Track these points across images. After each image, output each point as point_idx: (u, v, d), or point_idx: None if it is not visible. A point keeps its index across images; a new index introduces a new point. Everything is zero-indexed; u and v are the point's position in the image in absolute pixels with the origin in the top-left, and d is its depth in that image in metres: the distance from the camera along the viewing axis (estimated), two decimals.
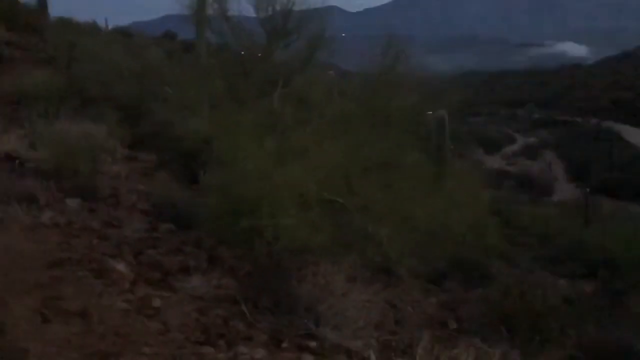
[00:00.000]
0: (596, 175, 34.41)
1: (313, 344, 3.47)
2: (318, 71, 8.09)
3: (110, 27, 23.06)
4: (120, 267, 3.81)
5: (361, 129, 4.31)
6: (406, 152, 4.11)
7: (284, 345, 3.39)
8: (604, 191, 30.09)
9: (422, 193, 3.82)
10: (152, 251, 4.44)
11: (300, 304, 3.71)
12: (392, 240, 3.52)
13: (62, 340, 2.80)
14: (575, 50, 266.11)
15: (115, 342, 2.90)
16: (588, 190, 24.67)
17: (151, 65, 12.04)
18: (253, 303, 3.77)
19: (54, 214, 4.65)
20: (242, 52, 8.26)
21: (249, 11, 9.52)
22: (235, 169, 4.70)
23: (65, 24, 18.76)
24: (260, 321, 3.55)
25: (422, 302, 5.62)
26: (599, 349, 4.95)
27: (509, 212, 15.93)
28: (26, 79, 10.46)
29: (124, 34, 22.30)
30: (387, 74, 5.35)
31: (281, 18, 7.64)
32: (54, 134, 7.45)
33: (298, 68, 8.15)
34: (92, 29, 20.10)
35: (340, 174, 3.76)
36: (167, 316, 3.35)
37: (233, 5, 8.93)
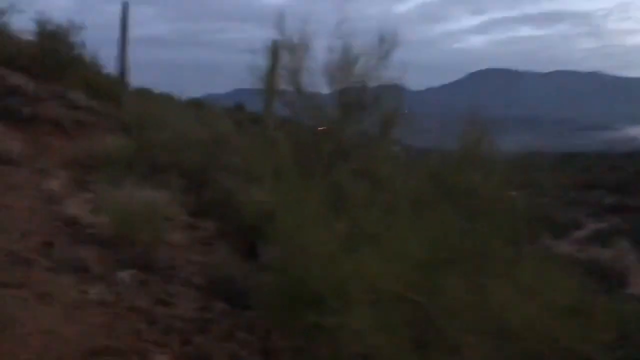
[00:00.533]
0: None
1: None
2: (388, 147, 7.72)
3: (184, 98, 24.01)
4: None
5: (440, 212, 3.83)
6: (495, 240, 3.57)
7: None
8: None
9: (515, 293, 3.24)
10: (201, 338, 4.00)
11: None
12: (478, 350, 2.94)
13: None
14: None
15: None
16: None
17: (219, 135, 12.08)
18: None
19: (103, 288, 4.33)
20: (313, 125, 8.04)
21: (319, 85, 9.34)
22: (298, 249, 4.26)
23: (142, 93, 19.60)
24: None
25: None
26: None
27: (587, 306, 14.53)
28: (98, 144, 10.65)
29: (196, 104, 23.12)
30: (471, 152, 4.88)
31: (356, 93, 7.37)
32: (117, 199, 7.33)
33: (369, 143, 7.80)
34: (167, 99, 20.97)
35: (419, 265, 3.26)
36: None
37: (306, 79, 8.76)
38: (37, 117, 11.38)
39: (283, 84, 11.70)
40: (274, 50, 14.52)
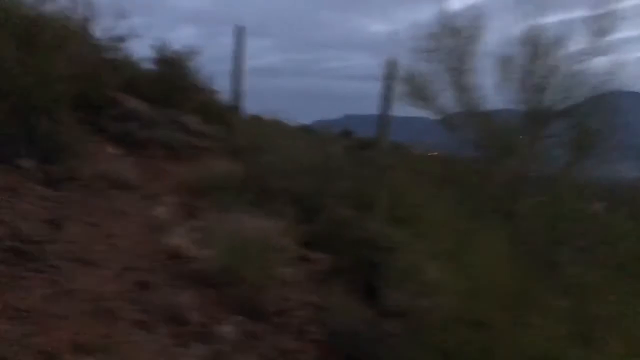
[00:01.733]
0: None
1: None
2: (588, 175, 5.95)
3: (294, 124, 23.71)
4: None
5: None
6: None
7: None
8: None
9: None
10: None
11: None
12: None
13: None
14: None
15: None
16: None
17: (331, 160, 11.23)
18: None
19: (203, 347, 3.47)
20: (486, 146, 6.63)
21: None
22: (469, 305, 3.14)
23: (254, 120, 19.49)
24: None
25: None
26: None
27: None
28: (209, 169, 10.16)
29: (306, 130, 22.73)
30: None
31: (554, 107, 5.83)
32: (225, 229, 6.58)
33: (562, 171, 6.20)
34: (277, 125, 20.74)
35: None
36: None
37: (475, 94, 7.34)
38: (152, 141, 11.22)
39: (413, 105, 10.65)
40: (390, 74, 13.56)
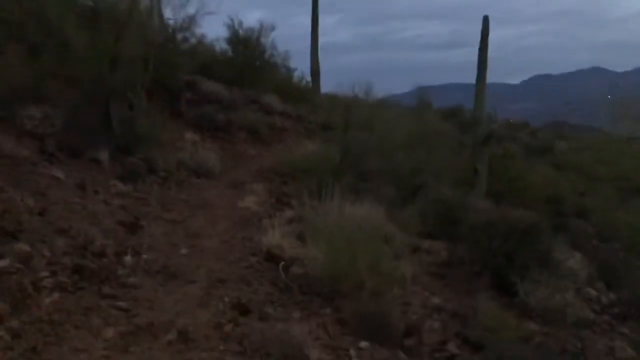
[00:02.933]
0: None
1: None
2: None
3: (370, 99, 22.28)
4: None
5: None
6: None
7: None
8: None
9: None
10: None
11: None
12: None
13: None
14: None
15: None
16: None
17: (433, 133, 9.91)
18: None
19: None
20: None
21: None
22: None
23: (333, 98, 18.44)
24: None
25: None
26: None
27: None
28: (296, 150, 9.14)
29: (381, 105, 21.25)
30: None
31: None
32: (326, 221, 5.50)
33: None
34: (354, 101, 19.42)
35: None
36: None
37: None
38: (232, 124, 10.36)
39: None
40: (485, 35, 11.93)
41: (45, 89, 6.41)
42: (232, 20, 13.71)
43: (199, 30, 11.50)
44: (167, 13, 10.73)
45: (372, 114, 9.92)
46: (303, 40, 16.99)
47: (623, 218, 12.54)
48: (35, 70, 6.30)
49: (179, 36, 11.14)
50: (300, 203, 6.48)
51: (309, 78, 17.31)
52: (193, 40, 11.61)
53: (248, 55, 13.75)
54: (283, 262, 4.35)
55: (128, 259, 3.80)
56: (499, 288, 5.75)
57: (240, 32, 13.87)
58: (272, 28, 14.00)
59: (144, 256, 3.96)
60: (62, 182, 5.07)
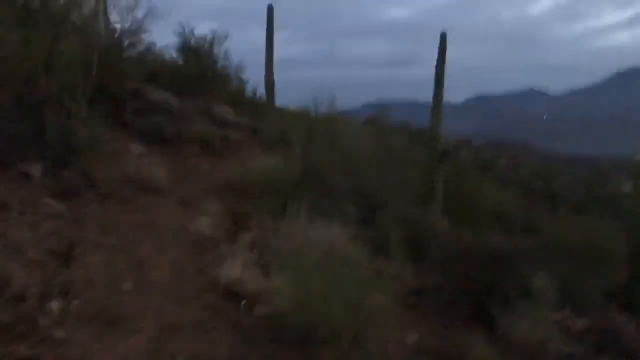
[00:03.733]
0: None
1: None
2: None
3: (320, 114, 21.70)
4: None
5: None
6: None
7: None
8: None
9: None
10: None
11: None
12: None
13: None
14: None
15: None
16: None
17: (395, 150, 9.46)
18: None
19: None
20: None
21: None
22: None
23: (288, 111, 17.88)
24: None
25: None
26: None
27: None
28: (252, 165, 8.46)
29: (341, 120, 20.79)
30: None
31: None
32: (291, 246, 4.91)
33: None
34: (304, 114, 18.70)
35: None
36: None
37: None
38: (182, 135, 9.58)
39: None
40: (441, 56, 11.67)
41: None
42: (183, 27, 12.89)
43: (147, 37, 10.65)
44: (114, 17, 9.91)
45: (332, 129, 9.35)
46: (256, 54, 16.32)
47: (572, 233, 12.46)
48: None
49: (126, 41, 10.30)
50: (261, 224, 5.84)
51: (262, 90, 16.61)
52: (141, 47, 10.77)
53: (199, 65, 12.96)
54: (244, 301, 3.69)
55: (54, 305, 3.04)
56: (477, 319, 5.29)
57: (192, 40, 13.07)
58: (225, 37, 13.26)
59: (74, 301, 3.20)
60: None
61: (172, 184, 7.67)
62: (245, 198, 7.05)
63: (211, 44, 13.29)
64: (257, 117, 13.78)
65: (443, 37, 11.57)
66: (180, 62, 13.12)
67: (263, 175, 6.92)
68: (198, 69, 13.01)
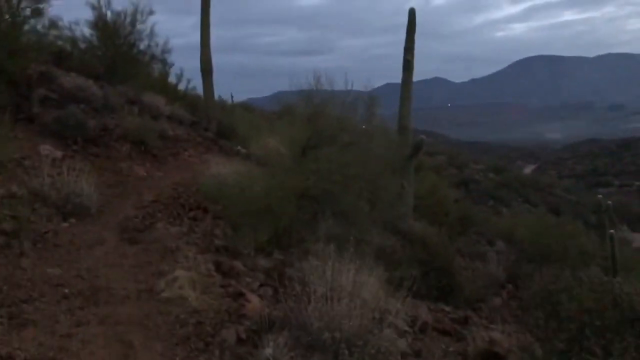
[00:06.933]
0: None
1: None
2: None
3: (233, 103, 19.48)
4: None
5: None
6: None
7: None
8: None
9: None
10: None
11: None
12: None
13: None
14: None
15: None
16: None
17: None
18: None
19: None
20: None
21: None
22: None
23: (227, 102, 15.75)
24: None
25: None
26: None
27: None
28: (206, 171, 6.43)
29: (246, 108, 18.82)
30: None
31: None
32: (326, 322, 3.09)
33: None
34: (221, 103, 16.16)
35: None
36: None
37: None
38: (109, 132, 7.30)
39: None
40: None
41: None
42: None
43: (51, 10, 8.08)
44: None
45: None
46: (180, 37, 13.87)
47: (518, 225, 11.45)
48: None
49: (25, 9, 7.75)
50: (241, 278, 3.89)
51: (191, 77, 14.07)
52: (43, 21, 8.20)
53: (119, 44, 10.47)
54: None
55: None
56: None
57: (109, 14, 10.50)
58: (150, 12, 10.73)
59: None
60: None
61: (102, 199, 5.48)
62: (215, 218, 5.01)
63: (133, 20, 10.84)
64: (193, 108, 11.56)
65: (411, 14, 10.13)
66: (95, 41, 10.59)
67: (240, 188, 4.89)
68: (117, 49, 10.56)
